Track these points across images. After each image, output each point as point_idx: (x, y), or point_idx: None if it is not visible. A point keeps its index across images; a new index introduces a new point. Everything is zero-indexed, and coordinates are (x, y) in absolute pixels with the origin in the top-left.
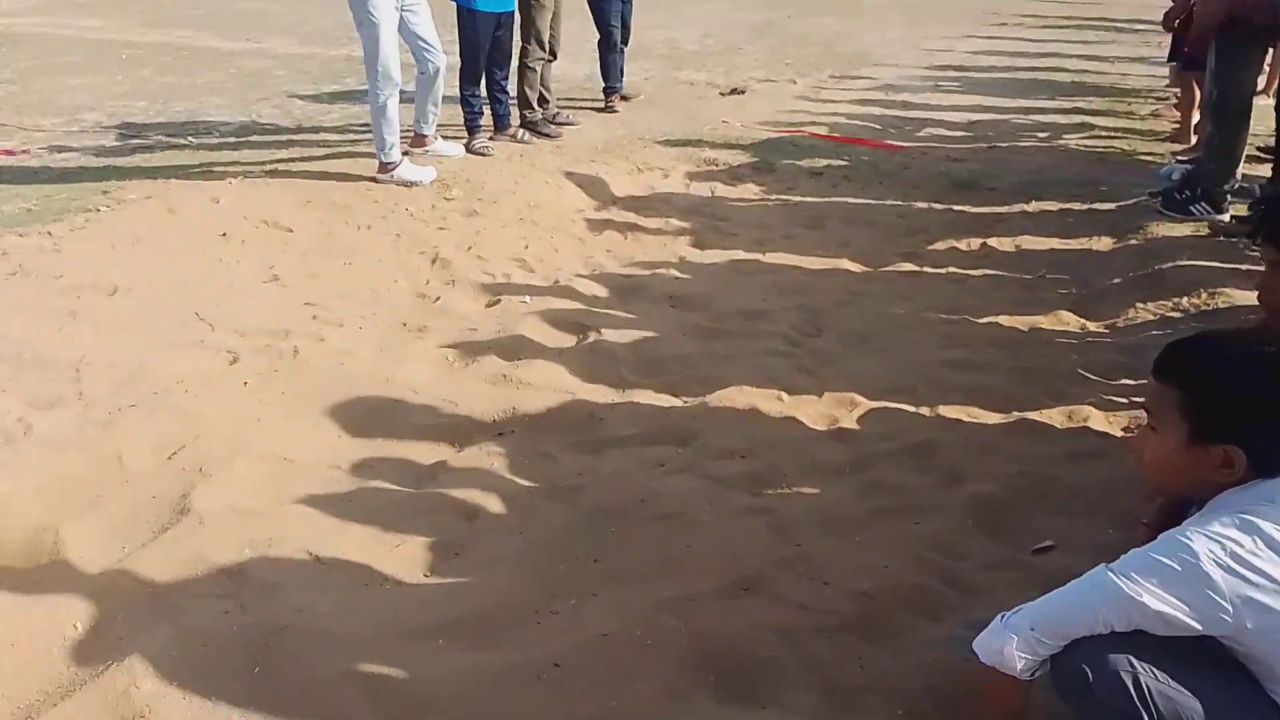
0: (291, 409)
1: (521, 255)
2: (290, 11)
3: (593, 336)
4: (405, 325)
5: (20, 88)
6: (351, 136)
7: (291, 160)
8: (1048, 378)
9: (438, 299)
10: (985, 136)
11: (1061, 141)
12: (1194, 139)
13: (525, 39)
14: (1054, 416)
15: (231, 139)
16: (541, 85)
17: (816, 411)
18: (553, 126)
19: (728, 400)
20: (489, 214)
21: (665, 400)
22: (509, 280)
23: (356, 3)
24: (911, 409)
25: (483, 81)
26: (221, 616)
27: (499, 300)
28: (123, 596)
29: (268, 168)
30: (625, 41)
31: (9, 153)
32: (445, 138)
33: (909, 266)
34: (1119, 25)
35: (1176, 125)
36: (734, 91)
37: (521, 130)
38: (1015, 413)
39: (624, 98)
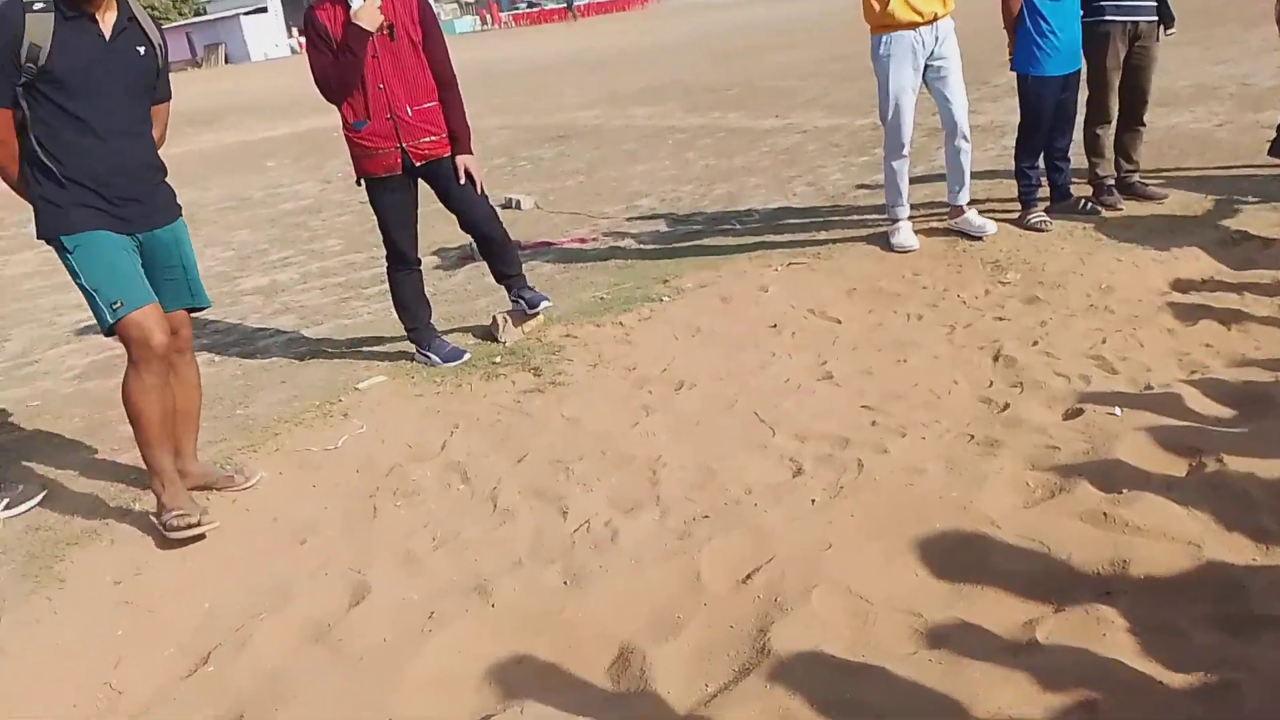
0: (863, 535)
1: (1099, 352)
2: (812, 86)
3: (1212, 465)
4: (973, 437)
5: (587, 177)
6: (881, 206)
7: (831, 241)
8: None
9: (1005, 406)
10: None
11: None
12: None
13: (1089, 100)
14: None
15: (772, 220)
16: (1121, 152)
17: None
18: (1116, 196)
19: None
20: (1053, 300)
21: None
22: (1088, 384)
23: (875, 60)
24: None
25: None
26: None
27: (1081, 410)
28: None
29: (809, 251)
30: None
31: (582, 241)
32: (994, 213)
33: None
34: None
35: None
36: None
37: (1085, 201)
38: None
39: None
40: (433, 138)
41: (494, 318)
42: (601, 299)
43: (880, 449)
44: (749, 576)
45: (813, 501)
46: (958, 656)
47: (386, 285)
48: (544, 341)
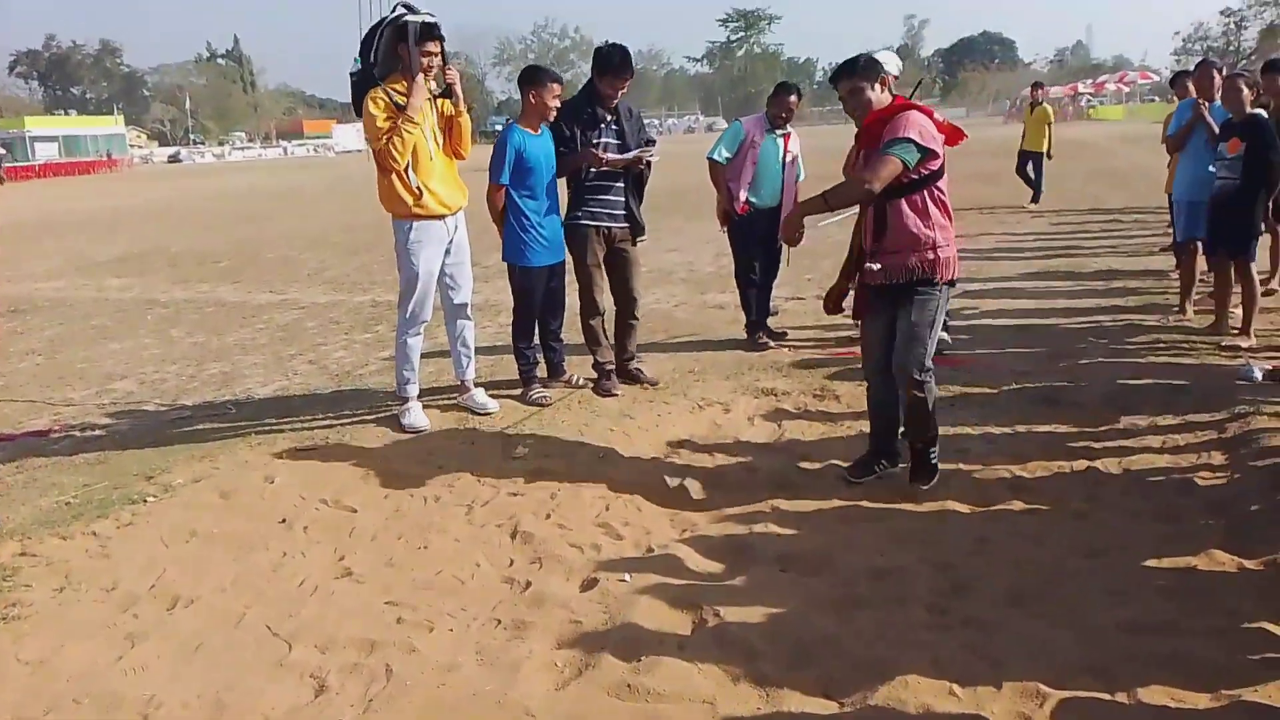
0: None
1: (605, 519)
2: (312, 258)
3: (712, 620)
4: (500, 623)
5: (46, 359)
6: (391, 386)
7: (341, 424)
8: (1240, 640)
9: (528, 585)
10: (1042, 344)
11: (1123, 345)
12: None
13: (579, 296)
14: (1273, 694)
15: (273, 403)
16: (619, 343)
17: (1002, 709)
18: (613, 382)
19: (895, 700)
20: (560, 472)
21: (821, 705)
22: (599, 553)
23: (400, 248)
24: (1107, 696)
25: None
26: None
27: (596, 580)
28: None
29: (318, 435)
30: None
31: (40, 434)
32: (498, 390)
33: (1021, 504)
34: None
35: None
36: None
37: (577, 376)
38: (1223, 691)
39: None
40: None
41: None
42: (68, 504)
43: (409, 648)
44: None
45: None
46: None
47: None
48: None
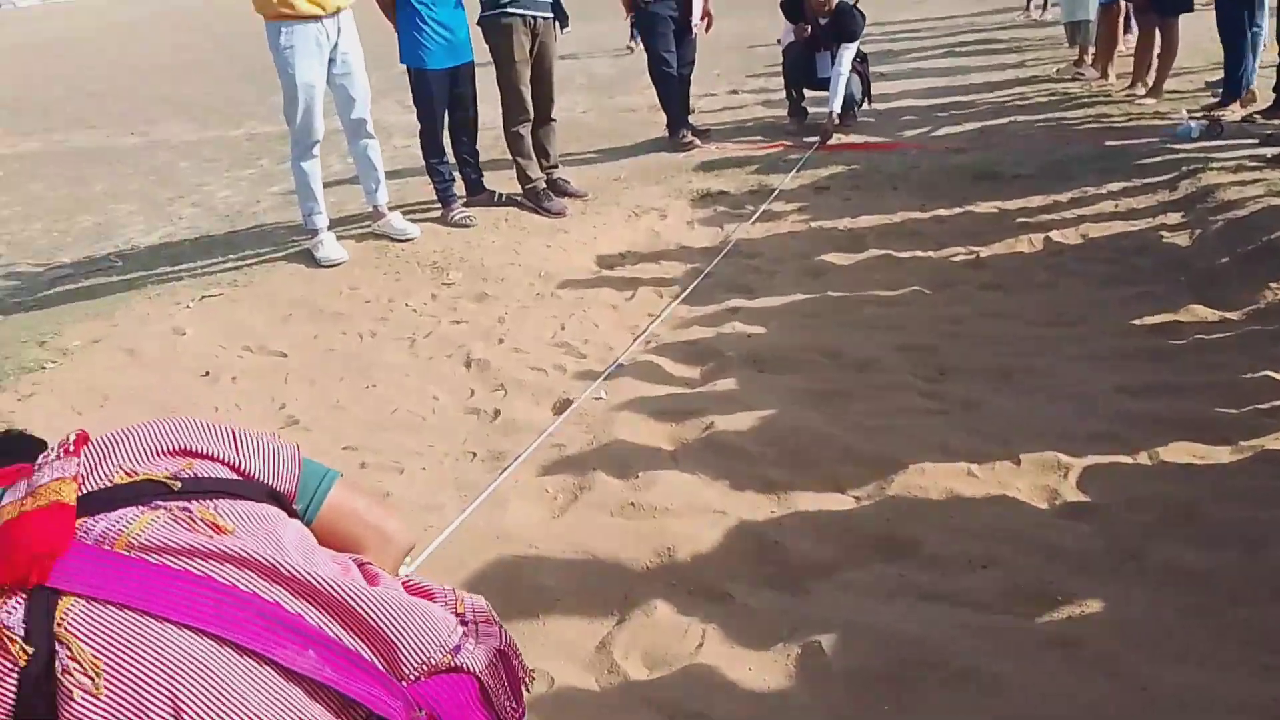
0: None
1: (562, 339)
2: (172, 97)
3: (700, 428)
4: (475, 455)
5: None
6: (292, 222)
7: (245, 265)
8: (1242, 390)
9: (497, 414)
10: (967, 119)
11: (1052, 115)
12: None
13: (503, 101)
14: None
15: (161, 251)
16: (539, 150)
17: (1027, 484)
18: (555, 200)
19: (915, 488)
20: (502, 295)
21: (838, 501)
22: (565, 373)
23: (275, 55)
24: (1130, 460)
25: (447, 145)
26: None
27: (569, 400)
28: None
29: (224, 279)
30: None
31: None
32: (414, 214)
33: (985, 278)
34: None
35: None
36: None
37: (499, 193)
38: (1241, 442)
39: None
40: None
41: None
42: None
43: (381, 493)
44: None
45: None
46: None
47: None
48: None
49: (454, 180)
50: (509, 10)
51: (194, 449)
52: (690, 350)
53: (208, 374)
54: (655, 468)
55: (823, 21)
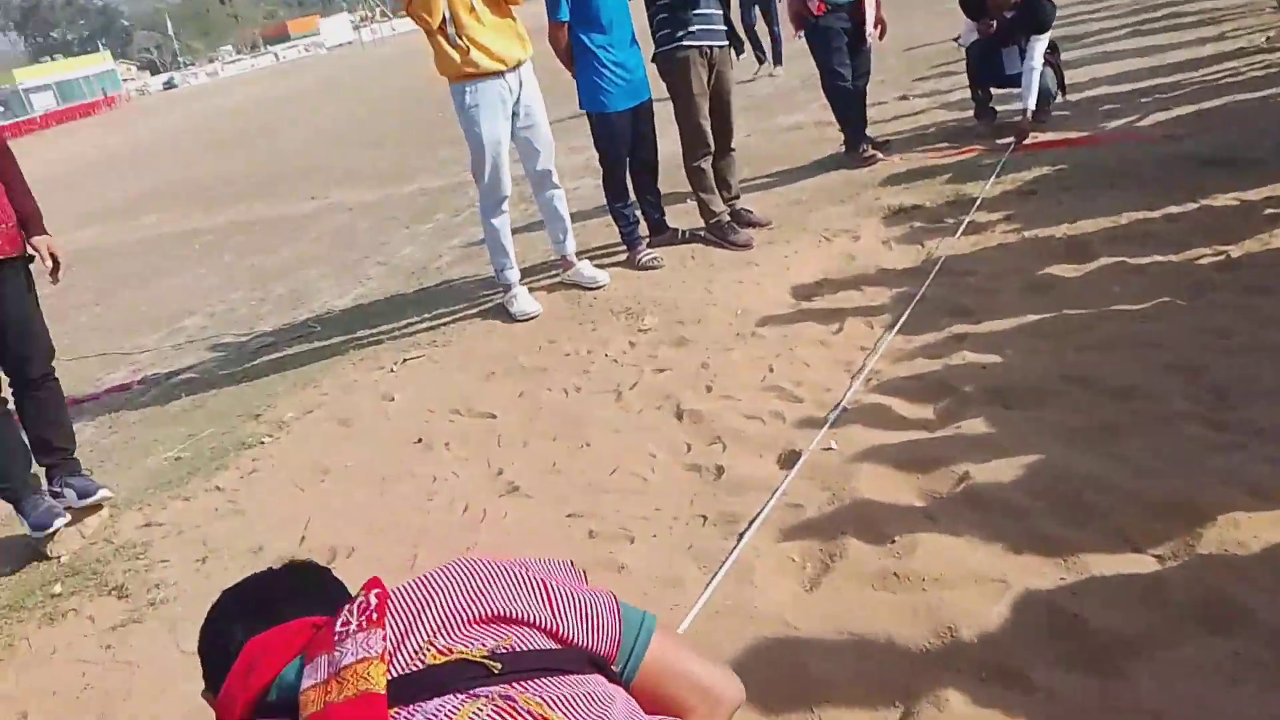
0: None
1: (773, 381)
2: (343, 158)
3: (955, 479)
4: (706, 519)
5: (103, 307)
6: (478, 275)
7: (437, 324)
8: None
9: (720, 471)
10: (1175, 103)
11: (1277, 90)
12: None
13: (682, 135)
14: None
15: (357, 314)
16: (720, 182)
17: None
18: (741, 232)
19: (1230, 543)
20: (701, 337)
21: (1137, 562)
22: (783, 420)
23: (460, 114)
24: None
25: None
26: None
27: (795, 451)
28: None
29: (419, 340)
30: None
31: (123, 388)
32: (599, 259)
33: (1245, 281)
34: None
35: None
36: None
37: (682, 231)
38: None
39: None
40: None
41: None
42: (178, 460)
43: (617, 567)
44: None
45: None
46: None
47: None
48: (117, 543)
49: (638, 222)
50: (685, 44)
51: (508, 614)
52: (919, 387)
53: (420, 441)
54: (911, 529)
55: (1008, 15)
